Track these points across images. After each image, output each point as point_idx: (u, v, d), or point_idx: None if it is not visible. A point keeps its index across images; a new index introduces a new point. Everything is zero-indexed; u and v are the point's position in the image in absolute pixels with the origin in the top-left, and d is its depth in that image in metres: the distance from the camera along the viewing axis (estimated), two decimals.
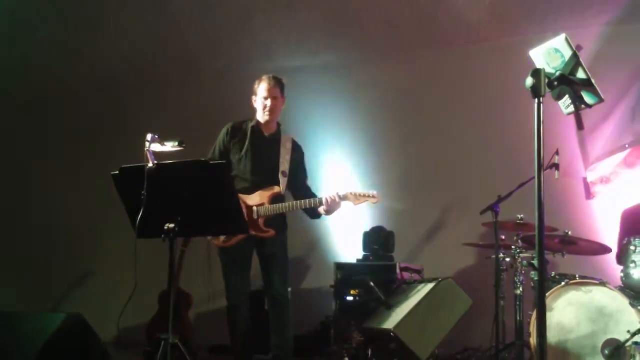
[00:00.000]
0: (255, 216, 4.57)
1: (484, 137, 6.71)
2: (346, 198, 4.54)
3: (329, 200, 4.51)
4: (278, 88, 4.73)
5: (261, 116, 4.73)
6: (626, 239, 4.83)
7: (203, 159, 3.53)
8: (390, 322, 4.92)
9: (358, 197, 4.54)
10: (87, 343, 4.46)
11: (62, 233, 8.21)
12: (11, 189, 8.56)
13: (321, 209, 4.60)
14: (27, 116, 8.69)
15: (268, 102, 4.68)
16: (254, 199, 4.60)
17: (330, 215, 4.70)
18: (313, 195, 4.69)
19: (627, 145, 6.22)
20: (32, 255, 8.25)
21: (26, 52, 7.44)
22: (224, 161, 4.49)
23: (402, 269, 6.10)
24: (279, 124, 4.85)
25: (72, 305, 7.47)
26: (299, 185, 4.83)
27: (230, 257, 4.63)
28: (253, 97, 4.78)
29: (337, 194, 4.52)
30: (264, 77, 4.74)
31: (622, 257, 4.92)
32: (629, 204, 5.67)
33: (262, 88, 4.71)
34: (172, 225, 3.45)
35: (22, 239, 8.34)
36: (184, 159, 3.49)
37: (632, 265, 4.62)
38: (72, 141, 8.44)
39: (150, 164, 3.44)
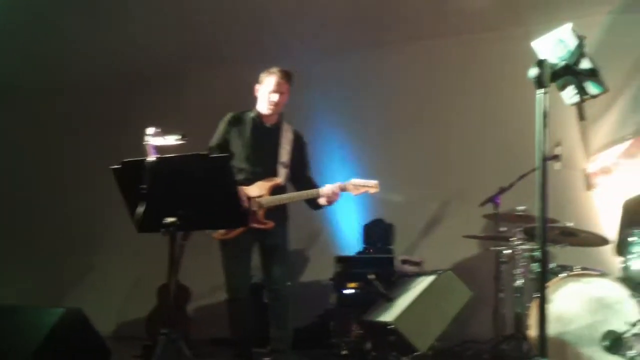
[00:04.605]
0: (255, 208, 4.54)
1: (485, 128, 6.71)
2: (345, 188, 4.54)
3: (328, 191, 4.51)
4: (288, 84, 4.68)
5: (264, 109, 4.70)
6: (627, 230, 4.82)
7: (203, 153, 3.51)
8: (390, 314, 4.92)
9: (358, 187, 4.54)
10: (86, 339, 4.45)
11: (63, 228, 8.20)
12: (12, 184, 8.54)
13: (321, 200, 4.59)
14: (26, 111, 8.66)
15: (274, 97, 4.63)
16: (254, 191, 4.56)
17: (331, 206, 4.68)
18: (314, 186, 4.67)
19: (629, 136, 6.22)
20: (33, 250, 8.24)
21: (28, 48, 7.38)
22: (225, 154, 4.43)
23: (402, 262, 6.10)
24: (281, 114, 4.81)
25: (72, 300, 7.47)
26: (300, 176, 4.81)
27: (231, 250, 4.61)
28: (257, 85, 4.73)
29: (338, 185, 4.52)
30: (275, 70, 4.66)
31: (622, 248, 4.92)
32: (630, 194, 5.67)
33: (270, 81, 4.64)
34: (172, 219, 3.43)
35: (22, 233, 8.33)
36: (186, 153, 3.47)
37: (632, 256, 4.60)
38: (72, 136, 8.42)
39: (150, 158, 3.42)
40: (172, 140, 3.61)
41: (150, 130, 3.53)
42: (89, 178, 7.21)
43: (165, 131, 3.57)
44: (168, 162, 3.43)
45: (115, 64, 7.82)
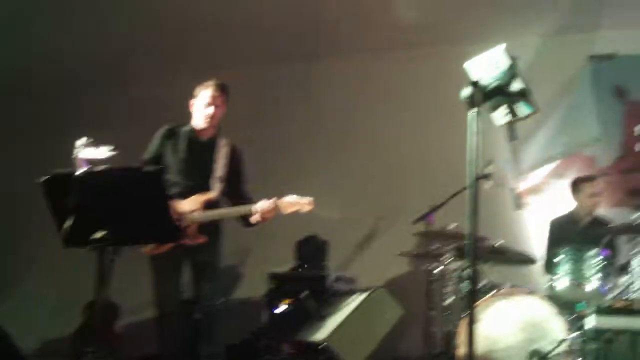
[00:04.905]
0: (186, 223, 4.46)
1: (419, 146, 6.76)
2: (278, 206, 4.50)
3: (262, 208, 4.47)
4: (223, 97, 4.65)
5: (200, 122, 4.65)
6: (552, 249, 4.93)
7: (136, 166, 3.44)
8: (323, 332, 4.90)
9: (292, 204, 4.50)
10: (8, 357, 4.30)
11: None
12: None
13: (255, 217, 4.53)
14: None
15: (209, 110, 4.60)
16: (187, 205, 4.48)
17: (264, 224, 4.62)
18: (248, 202, 4.61)
19: (557, 156, 6.39)
20: None
21: None
22: (158, 167, 4.34)
23: (335, 279, 6.10)
24: (217, 128, 4.76)
25: None
26: (235, 190, 4.76)
27: (161, 265, 4.52)
28: (192, 100, 4.68)
29: (273, 201, 4.48)
30: (209, 84, 4.63)
31: (550, 267, 5.03)
32: (558, 214, 5.81)
33: (205, 95, 4.61)
34: (101, 234, 3.34)
35: None
36: (119, 166, 3.38)
37: (557, 275, 4.71)
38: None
39: (79, 171, 3.33)
40: (104, 152, 3.53)
41: (80, 141, 3.44)
42: (15, 189, 7.00)
43: (97, 142, 3.49)
44: (99, 175, 3.34)
45: (48, 67, 7.63)
